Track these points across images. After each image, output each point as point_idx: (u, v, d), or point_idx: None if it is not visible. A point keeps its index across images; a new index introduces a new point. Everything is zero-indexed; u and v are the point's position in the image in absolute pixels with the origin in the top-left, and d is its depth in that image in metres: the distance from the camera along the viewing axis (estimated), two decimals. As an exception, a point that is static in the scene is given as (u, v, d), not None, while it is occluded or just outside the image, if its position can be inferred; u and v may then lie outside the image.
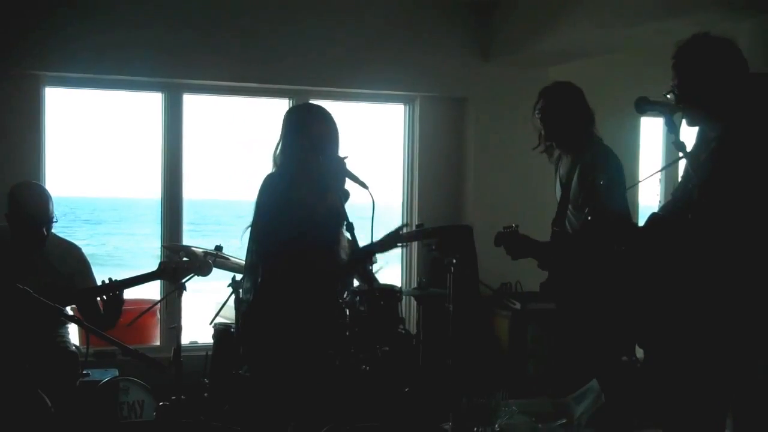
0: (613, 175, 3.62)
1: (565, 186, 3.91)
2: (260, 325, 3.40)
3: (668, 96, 2.97)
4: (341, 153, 3.41)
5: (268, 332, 3.35)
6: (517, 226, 3.80)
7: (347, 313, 4.52)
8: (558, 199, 4.01)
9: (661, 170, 3.51)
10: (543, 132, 3.95)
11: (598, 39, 5.46)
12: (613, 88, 5.84)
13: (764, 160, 2.75)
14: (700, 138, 3.02)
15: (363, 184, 3.36)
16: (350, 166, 3.36)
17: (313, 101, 6.09)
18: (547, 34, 5.58)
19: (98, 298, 4.28)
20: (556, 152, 4.05)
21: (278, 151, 3.43)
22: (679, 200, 2.98)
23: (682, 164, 3.06)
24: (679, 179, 3.08)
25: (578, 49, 5.77)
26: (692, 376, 2.83)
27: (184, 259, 4.42)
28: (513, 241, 3.77)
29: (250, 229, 3.42)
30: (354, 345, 4.59)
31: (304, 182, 3.32)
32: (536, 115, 3.97)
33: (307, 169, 3.32)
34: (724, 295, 2.77)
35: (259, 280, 3.36)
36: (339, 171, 3.33)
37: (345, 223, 3.35)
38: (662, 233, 2.94)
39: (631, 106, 3.08)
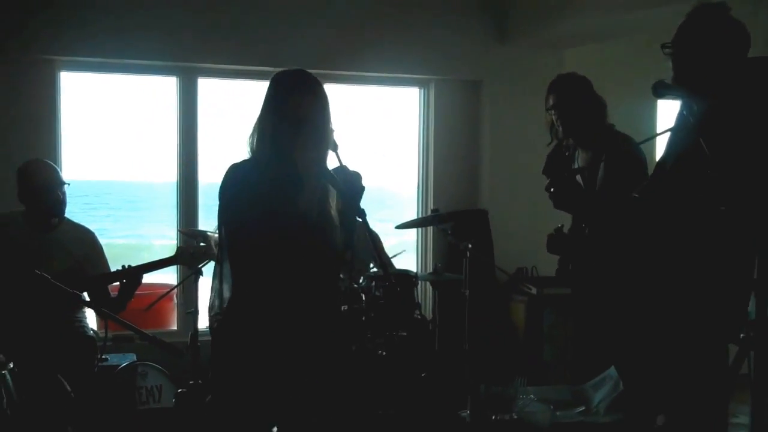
0: (641, 168, 3.60)
1: (588, 178, 3.83)
2: (234, 345, 2.78)
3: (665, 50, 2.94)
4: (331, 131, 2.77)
5: (244, 355, 2.75)
6: (562, 226, 3.75)
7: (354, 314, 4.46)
8: None
9: (648, 140, 3.46)
10: (560, 129, 3.85)
11: (615, 21, 5.40)
12: (630, 70, 5.80)
13: (741, 144, 2.71)
14: (682, 112, 2.99)
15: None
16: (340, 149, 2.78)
17: (327, 84, 6.11)
18: (564, 17, 5.52)
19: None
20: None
21: (252, 132, 2.79)
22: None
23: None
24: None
25: (595, 32, 5.72)
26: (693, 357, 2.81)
27: (201, 244, 4.42)
28: (560, 242, 3.71)
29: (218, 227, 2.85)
30: (370, 330, 4.59)
31: (279, 172, 2.69)
32: (550, 113, 3.89)
33: (283, 156, 2.68)
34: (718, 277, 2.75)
35: (231, 288, 2.82)
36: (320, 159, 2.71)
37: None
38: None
39: (648, 89, 3.04)
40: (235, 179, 2.74)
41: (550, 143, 3.94)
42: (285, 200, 2.66)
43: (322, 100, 2.74)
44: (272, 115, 2.73)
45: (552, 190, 3.39)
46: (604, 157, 3.71)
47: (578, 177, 3.87)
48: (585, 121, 3.83)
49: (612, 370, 3.02)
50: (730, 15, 2.91)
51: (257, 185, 2.68)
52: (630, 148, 3.63)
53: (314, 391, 2.78)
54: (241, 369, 2.76)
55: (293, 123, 2.67)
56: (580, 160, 3.91)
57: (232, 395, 2.79)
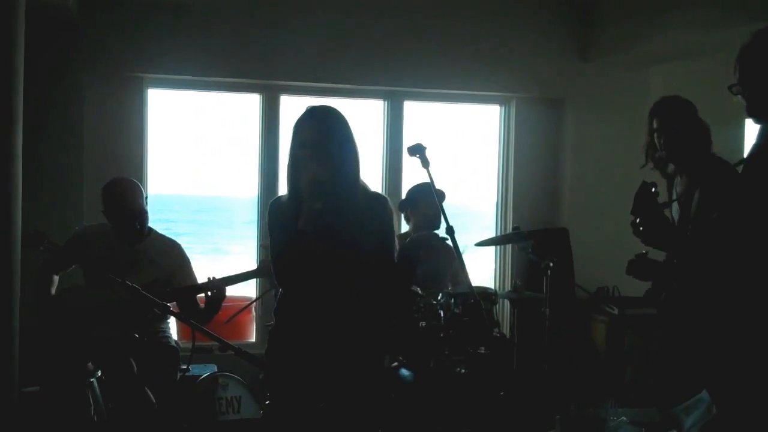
0: None
1: (684, 204, 3.74)
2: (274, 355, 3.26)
3: (733, 90, 2.86)
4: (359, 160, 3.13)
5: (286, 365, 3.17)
6: (646, 252, 3.67)
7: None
8: (674, 219, 3.84)
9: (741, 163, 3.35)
10: (665, 153, 3.77)
11: (702, 39, 5.29)
12: (717, 89, 5.63)
13: None
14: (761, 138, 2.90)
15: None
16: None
17: (407, 102, 6.15)
18: (649, 35, 5.44)
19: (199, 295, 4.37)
20: (669, 167, 3.89)
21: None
22: None
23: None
24: None
25: (682, 50, 5.61)
26: None
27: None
28: (642, 268, 3.64)
29: None
30: (448, 347, 4.55)
31: (291, 201, 3.11)
32: (653, 136, 3.79)
33: (296, 189, 3.09)
34: None
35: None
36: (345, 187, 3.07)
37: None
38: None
39: (734, 109, 2.96)
40: (270, 212, 3.22)
41: (643, 166, 3.86)
42: (290, 226, 3.04)
43: (323, 125, 3.07)
44: (289, 148, 3.13)
45: (641, 228, 3.33)
46: (701, 186, 3.61)
47: (672, 208, 3.78)
48: (689, 147, 3.74)
49: (704, 394, 2.94)
50: None
51: (283, 213, 3.12)
52: (728, 178, 3.51)
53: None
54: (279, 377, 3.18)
55: (295, 151, 3.08)
56: (679, 186, 3.81)
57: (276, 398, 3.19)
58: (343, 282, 3.08)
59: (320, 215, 2.99)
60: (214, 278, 4.29)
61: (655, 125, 3.80)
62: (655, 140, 3.79)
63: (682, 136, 3.73)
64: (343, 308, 3.10)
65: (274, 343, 3.27)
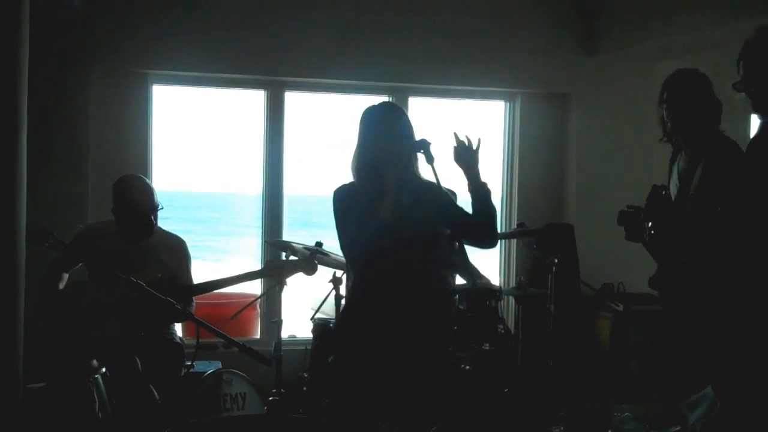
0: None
1: (684, 180, 3.71)
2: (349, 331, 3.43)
3: (737, 87, 2.86)
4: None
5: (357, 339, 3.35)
6: (639, 207, 3.66)
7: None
8: (673, 194, 3.82)
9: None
10: (670, 125, 3.70)
11: (707, 35, 5.27)
12: (723, 83, 5.63)
13: None
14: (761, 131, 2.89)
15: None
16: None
17: (412, 98, 6.14)
18: (656, 30, 5.42)
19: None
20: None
21: (354, 157, 3.35)
22: None
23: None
24: None
25: (687, 45, 5.58)
26: None
27: (291, 258, 4.43)
28: (634, 223, 3.63)
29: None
30: (453, 344, 4.55)
31: (376, 191, 3.28)
32: (663, 108, 3.72)
33: (383, 177, 3.27)
34: None
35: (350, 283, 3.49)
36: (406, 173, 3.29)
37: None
38: None
39: (739, 104, 2.95)
40: (338, 200, 3.37)
41: (661, 139, 3.82)
42: (369, 212, 3.24)
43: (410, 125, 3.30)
44: (360, 141, 3.31)
45: (653, 232, 3.30)
46: (704, 161, 3.57)
47: (671, 183, 3.75)
48: (696, 121, 3.66)
49: (709, 390, 2.93)
50: None
51: (353, 201, 3.30)
52: (733, 155, 3.48)
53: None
54: (347, 363, 3.37)
55: (390, 148, 3.24)
56: (682, 161, 3.78)
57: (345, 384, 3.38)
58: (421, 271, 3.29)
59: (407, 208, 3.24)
60: (218, 280, 4.28)
61: (664, 96, 3.75)
62: (664, 112, 3.75)
63: (689, 110, 3.65)
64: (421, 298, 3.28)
65: (349, 326, 3.41)
